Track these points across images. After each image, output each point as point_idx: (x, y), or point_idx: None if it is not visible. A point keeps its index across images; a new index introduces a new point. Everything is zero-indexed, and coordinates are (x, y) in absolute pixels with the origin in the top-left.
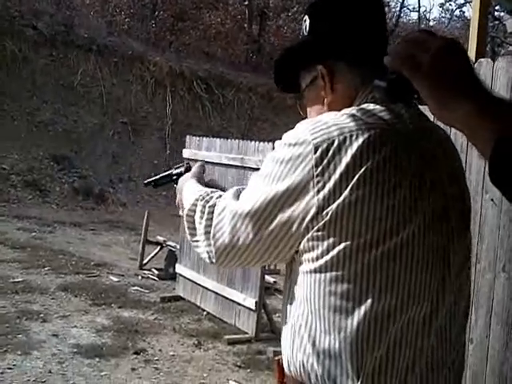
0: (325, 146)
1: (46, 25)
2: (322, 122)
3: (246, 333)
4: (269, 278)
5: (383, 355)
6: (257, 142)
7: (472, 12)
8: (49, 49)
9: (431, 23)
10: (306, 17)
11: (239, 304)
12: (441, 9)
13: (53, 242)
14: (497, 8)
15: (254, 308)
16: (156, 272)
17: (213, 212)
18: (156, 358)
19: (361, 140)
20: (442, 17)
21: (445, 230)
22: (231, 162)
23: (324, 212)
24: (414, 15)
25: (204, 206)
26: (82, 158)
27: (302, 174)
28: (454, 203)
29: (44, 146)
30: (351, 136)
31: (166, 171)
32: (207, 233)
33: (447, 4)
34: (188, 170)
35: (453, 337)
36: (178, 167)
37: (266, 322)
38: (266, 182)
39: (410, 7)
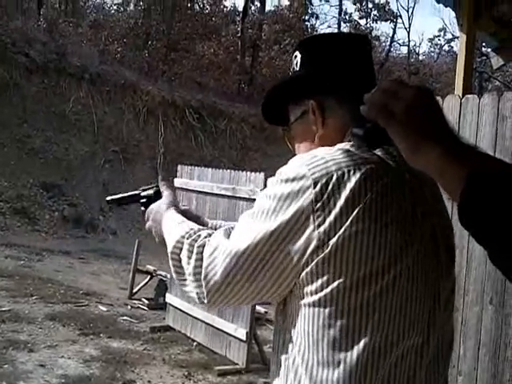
0: (324, 180)
1: (39, 52)
2: (319, 157)
3: (237, 364)
4: (260, 309)
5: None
6: (248, 172)
7: (459, 49)
8: (41, 76)
9: (420, 57)
10: (297, 52)
11: (230, 335)
12: (430, 43)
13: (41, 270)
14: (484, 44)
15: (244, 339)
16: (146, 302)
17: (202, 252)
18: None
19: (358, 175)
20: (431, 51)
21: (434, 264)
22: (223, 192)
23: (325, 245)
24: (404, 49)
25: (192, 245)
26: (73, 186)
27: (302, 209)
28: (442, 238)
29: (34, 173)
30: (349, 171)
31: (132, 191)
32: (197, 273)
33: (436, 39)
34: (158, 193)
35: (440, 369)
36: (147, 189)
37: (257, 352)
38: (262, 219)
39: (400, 41)
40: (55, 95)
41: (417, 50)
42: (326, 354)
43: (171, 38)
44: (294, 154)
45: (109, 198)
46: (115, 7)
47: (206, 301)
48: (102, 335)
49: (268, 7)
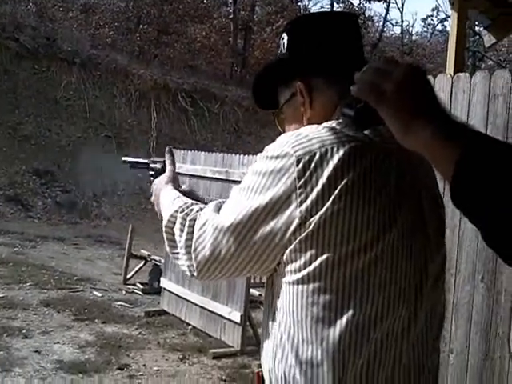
0: (307, 158)
1: (29, 38)
2: (303, 135)
3: (232, 346)
4: (254, 292)
5: (364, 363)
6: (241, 155)
7: (450, 28)
8: (31, 62)
9: (414, 37)
10: (284, 34)
11: (224, 318)
12: (423, 23)
13: (35, 257)
14: (477, 23)
15: (239, 321)
16: (140, 286)
17: (193, 226)
18: (140, 373)
19: (341, 152)
20: (425, 31)
21: (421, 239)
22: (216, 176)
23: (307, 223)
24: (397, 29)
25: (184, 219)
26: (66, 172)
27: (285, 187)
28: (430, 212)
29: (26, 159)
30: (332, 148)
31: (145, 159)
32: (188, 247)
33: (429, 19)
34: (164, 168)
35: (429, 343)
36: (156, 162)
37: (252, 335)
38: (247, 195)
39: (393, 22)
40: (46, 81)
41: (410, 29)
42: (310, 332)
43: (163, 21)
44: None
45: (124, 159)
46: None
47: (195, 273)
48: (96, 320)
49: None
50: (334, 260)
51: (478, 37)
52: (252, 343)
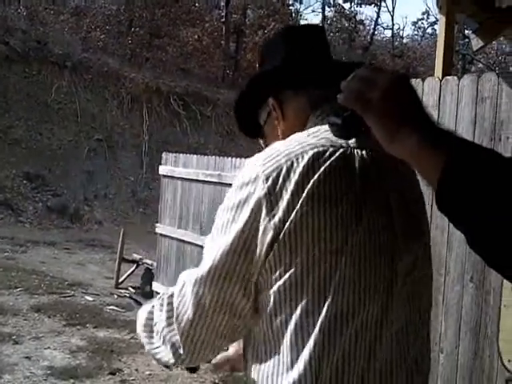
0: (275, 174)
1: (19, 41)
2: (271, 153)
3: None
4: None
5: (339, 358)
6: (234, 158)
7: (438, 31)
8: (22, 65)
9: (404, 40)
10: (259, 53)
11: None
12: (413, 27)
13: (26, 261)
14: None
15: None
16: (132, 290)
17: (172, 295)
18: (132, 378)
19: (306, 159)
20: (415, 34)
21: (389, 236)
22: (208, 179)
23: (281, 231)
24: (388, 33)
25: (162, 299)
26: (57, 176)
27: (255, 207)
28: (399, 212)
29: (17, 163)
30: (297, 158)
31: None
32: (170, 322)
33: (419, 22)
34: None
35: (411, 334)
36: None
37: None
38: (219, 235)
39: (384, 25)
40: (37, 84)
41: (401, 33)
42: (290, 340)
43: (154, 25)
44: None
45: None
46: None
47: (181, 350)
48: (88, 325)
49: None
50: (308, 262)
51: (467, 40)
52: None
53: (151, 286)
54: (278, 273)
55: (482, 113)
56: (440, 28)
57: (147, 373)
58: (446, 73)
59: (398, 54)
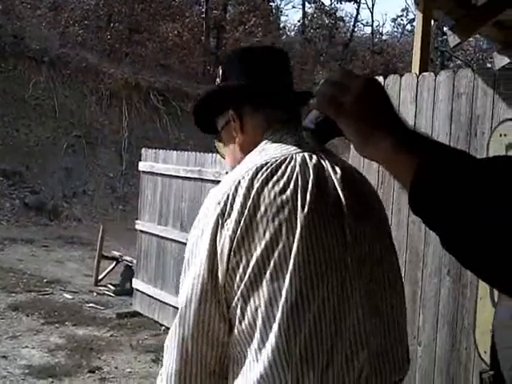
0: (225, 196)
1: None
2: (227, 179)
3: None
4: None
5: (306, 336)
6: (214, 154)
7: (416, 27)
8: None
9: (384, 37)
10: (220, 67)
11: None
12: (393, 23)
13: (3, 259)
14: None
15: None
16: (112, 288)
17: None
18: (112, 376)
19: (247, 178)
20: (395, 31)
21: (338, 240)
22: (188, 175)
23: (235, 237)
24: (368, 29)
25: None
26: (34, 173)
27: (213, 229)
28: (349, 217)
29: None
30: (243, 177)
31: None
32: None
33: (399, 19)
34: None
35: (379, 299)
36: None
37: None
38: (187, 270)
39: (364, 22)
40: (14, 80)
41: (380, 30)
42: (259, 331)
43: (134, 20)
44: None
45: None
46: None
47: None
48: (67, 323)
49: None
50: (263, 257)
51: (445, 37)
52: None
53: (131, 283)
54: (238, 277)
55: (459, 108)
56: (417, 24)
57: (127, 370)
58: (423, 69)
59: (377, 50)
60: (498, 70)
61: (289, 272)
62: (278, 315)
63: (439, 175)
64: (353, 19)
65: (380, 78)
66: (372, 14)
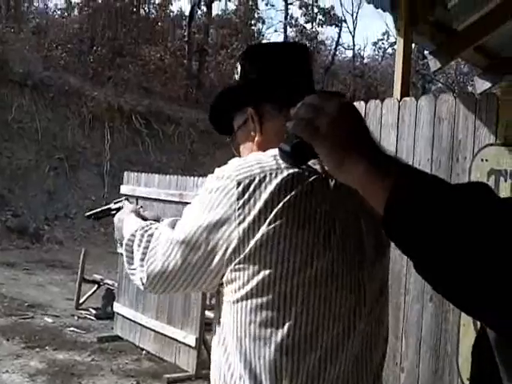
0: (247, 181)
1: None
2: (247, 161)
3: (187, 371)
4: (209, 314)
5: (303, 380)
6: (196, 178)
7: (396, 53)
8: None
9: (365, 60)
10: (238, 63)
11: (179, 341)
12: (374, 47)
13: None
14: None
15: (194, 345)
16: (93, 311)
17: (150, 241)
18: None
19: (279, 178)
20: (376, 54)
21: (358, 261)
22: (170, 198)
23: (245, 244)
24: (349, 53)
25: (143, 235)
26: (16, 196)
27: (226, 207)
28: (368, 234)
29: None
30: (271, 174)
31: (105, 205)
32: (142, 259)
33: (380, 42)
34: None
35: (373, 365)
36: (118, 202)
37: (207, 358)
38: (196, 212)
39: (345, 45)
40: None
41: (361, 53)
42: (249, 350)
43: (117, 43)
44: None
45: (88, 214)
46: (59, 12)
47: (146, 284)
48: (47, 347)
49: (215, 11)
50: (272, 277)
51: (427, 60)
52: (207, 367)
53: (112, 306)
54: (236, 285)
55: (440, 133)
56: (398, 50)
57: None
58: (404, 93)
59: (358, 73)
60: (479, 94)
61: (294, 308)
62: (273, 347)
63: (411, 200)
64: (334, 43)
65: (361, 103)
66: (353, 37)
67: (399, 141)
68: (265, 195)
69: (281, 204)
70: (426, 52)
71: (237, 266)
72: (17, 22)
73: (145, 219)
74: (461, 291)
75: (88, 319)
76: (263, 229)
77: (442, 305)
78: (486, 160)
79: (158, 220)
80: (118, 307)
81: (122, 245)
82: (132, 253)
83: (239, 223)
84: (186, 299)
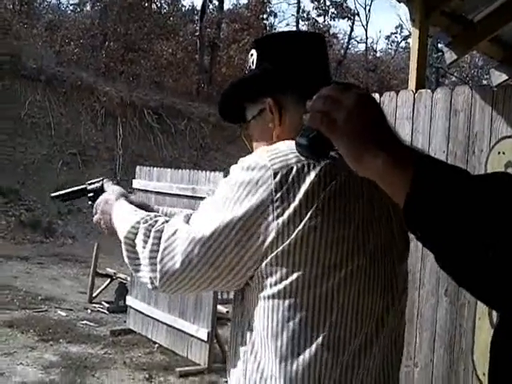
0: (284, 171)
1: None
2: (280, 150)
3: (199, 364)
4: (221, 308)
5: (336, 379)
6: (208, 172)
7: (412, 44)
8: None
9: (378, 54)
10: (253, 51)
11: (191, 335)
12: (387, 40)
13: None
14: (439, 40)
15: (206, 339)
16: (106, 305)
17: (160, 237)
18: None
19: (318, 169)
20: (389, 48)
21: (390, 257)
22: (182, 192)
23: (284, 237)
24: (362, 46)
25: (148, 230)
26: (30, 190)
27: (262, 198)
28: (398, 232)
29: None
30: (309, 164)
31: (79, 187)
32: (153, 257)
33: (393, 36)
34: (102, 187)
35: (397, 357)
36: (93, 183)
37: (219, 352)
38: (222, 206)
39: (358, 39)
40: (10, 98)
41: (374, 46)
42: (286, 347)
43: (129, 39)
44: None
45: (54, 194)
46: (71, 8)
47: (158, 285)
48: (61, 341)
49: (226, 6)
50: (307, 277)
51: (441, 53)
52: (219, 360)
53: (125, 300)
54: (273, 279)
55: (456, 125)
56: (413, 41)
57: None
58: (419, 86)
59: (371, 67)
60: (495, 86)
61: (335, 307)
62: (315, 346)
63: (432, 191)
64: (347, 36)
65: (376, 95)
66: (366, 31)
67: (414, 133)
68: (305, 186)
69: (322, 196)
70: (440, 45)
71: (274, 260)
72: (30, 17)
73: (135, 206)
74: (484, 283)
75: (101, 313)
76: (304, 222)
77: (458, 299)
78: (503, 153)
79: (144, 206)
80: (130, 301)
81: (112, 233)
82: (134, 247)
83: (278, 216)
84: (198, 293)
